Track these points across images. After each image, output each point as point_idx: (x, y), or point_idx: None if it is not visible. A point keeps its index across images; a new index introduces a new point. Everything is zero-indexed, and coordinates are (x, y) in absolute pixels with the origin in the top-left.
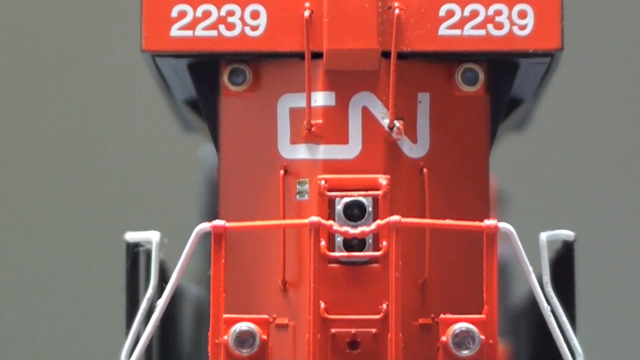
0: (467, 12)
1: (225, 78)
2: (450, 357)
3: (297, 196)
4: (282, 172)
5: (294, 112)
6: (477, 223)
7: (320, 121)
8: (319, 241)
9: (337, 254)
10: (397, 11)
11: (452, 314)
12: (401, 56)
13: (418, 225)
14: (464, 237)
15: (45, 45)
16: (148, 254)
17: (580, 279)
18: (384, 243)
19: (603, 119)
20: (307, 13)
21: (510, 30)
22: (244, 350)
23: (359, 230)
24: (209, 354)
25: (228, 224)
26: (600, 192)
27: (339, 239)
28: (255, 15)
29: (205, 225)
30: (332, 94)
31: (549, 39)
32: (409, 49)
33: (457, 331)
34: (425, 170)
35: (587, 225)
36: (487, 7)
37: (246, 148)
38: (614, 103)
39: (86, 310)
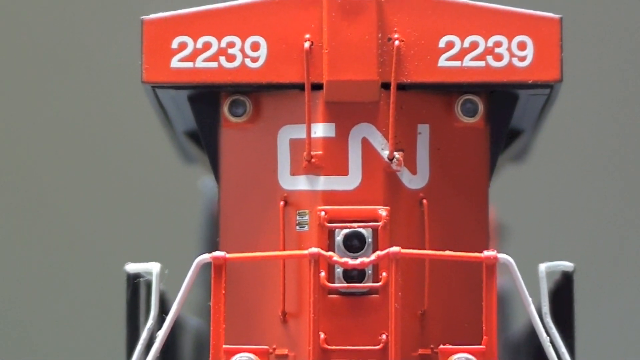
0: (466, 44)
1: (225, 109)
2: None
3: (297, 227)
4: (282, 203)
5: (294, 143)
6: (476, 254)
7: (320, 152)
8: (319, 272)
9: (336, 284)
10: (396, 43)
11: (452, 344)
12: (401, 87)
13: (418, 256)
14: (463, 268)
15: (47, 78)
16: (148, 285)
17: (579, 310)
18: (384, 274)
19: (602, 151)
20: (307, 44)
21: (510, 62)
22: None
23: (358, 261)
24: None
25: (228, 255)
26: (599, 224)
27: (338, 270)
28: (255, 46)
29: (205, 256)
30: (332, 125)
31: (548, 71)
32: (409, 80)
33: None
34: (424, 201)
35: (586, 256)
36: (486, 39)
37: (246, 179)
38: (613, 135)
39: (87, 340)
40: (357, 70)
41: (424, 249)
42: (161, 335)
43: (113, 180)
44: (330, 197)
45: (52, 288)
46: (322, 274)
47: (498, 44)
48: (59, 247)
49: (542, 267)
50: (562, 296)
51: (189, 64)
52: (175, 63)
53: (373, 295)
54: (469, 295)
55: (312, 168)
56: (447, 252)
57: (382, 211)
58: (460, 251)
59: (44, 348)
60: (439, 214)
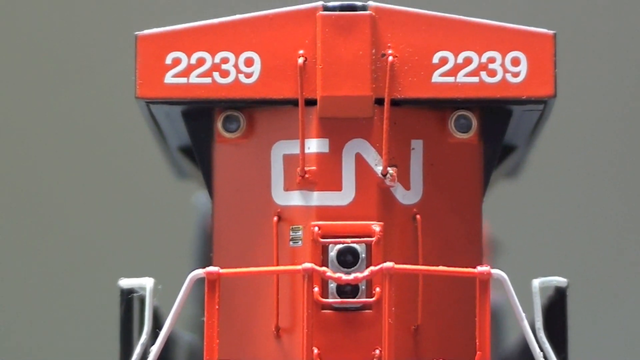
0: (460, 60)
1: (219, 125)
2: None
3: (291, 242)
4: (275, 218)
5: (288, 159)
6: (470, 269)
7: (314, 168)
8: (312, 287)
9: (330, 300)
10: (390, 58)
11: (445, 359)
12: (394, 103)
13: (411, 272)
14: (457, 283)
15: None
16: (142, 300)
17: (573, 326)
18: (377, 289)
19: (595, 166)
20: (301, 60)
21: (504, 78)
22: None
23: (352, 276)
24: None
25: (222, 270)
26: (592, 239)
27: (332, 285)
28: (249, 62)
29: (199, 272)
30: (326, 141)
31: (542, 86)
32: (403, 96)
33: None
34: (418, 216)
35: (579, 271)
36: (480, 55)
37: (240, 194)
38: (606, 150)
39: (81, 356)
40: (351, 86)
41: (418, 264)
42: (155, 350)
43: (107, 196)
44: (323, 212)
45: (46, 303)
46: (316, 289)
47: (492, 60)
48: (53, 262)
49: (536, 282)
50: (556, 311)
51: (183, 80)
52: (169, 79)
53: (366, 311)
54: (462, 311)
55: (306, 183)
56: (441, 268)
57: (376, 226)
58: (454, 266)
59: None
60: (432, 230)
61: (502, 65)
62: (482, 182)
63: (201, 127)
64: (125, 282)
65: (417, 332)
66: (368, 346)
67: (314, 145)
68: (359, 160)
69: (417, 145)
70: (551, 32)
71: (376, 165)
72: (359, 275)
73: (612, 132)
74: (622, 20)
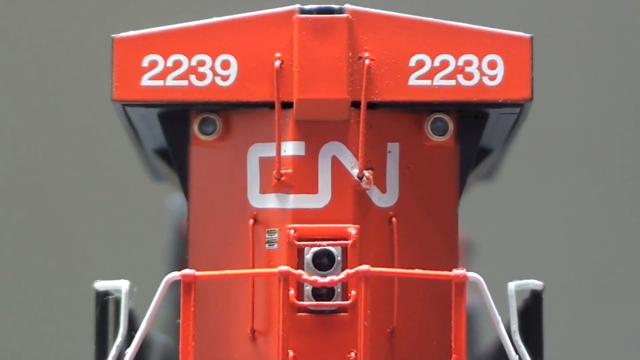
0: (437, 63)
1: (195, 127)
2: None
3: (267, 245)
4: (251, 221)
5: (264, 162)
6: (445, 272)
7: (290, 171)
8: (288, 290)
9: (306, 302)
10: (367, 61)
11: None
12: (371, 106)
13: (387, 275)
14: (432, 286)
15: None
16: (117, 302)
17: (548, 329)
18: (353, 292)
19: (570, 170)
20: (277, 63)
21: (480, 81)
22: None
23: (328, 279)
24: None
25: (198, 273)
26: (568, 242)
27: (307, 288)
28: (225, 65)
29: (174, 274)
30: (302, 144)
31: (518, 90)
32: (379, 99)
33: None
34: (394, 219)
35: (555, 275)
36: (457, 58)
37: (216, 197)
38: (582, 154)
39: (56, 358)
40: (328, 89)
41: (394, 267)
42: (130, 352)
43: (82, 198)
44: (299, 215)
45: (21, 305)
46: (292, 292)
47: (468, 63)
48: (28, 265)
49: (512, 285)
50: (531, 315)
51: (160, 82)
52: (145, 81)
53: (342, 313)
54: (438, 313)
55: (282, 186)
56: (417, 271)
57: (352, 229)
58: (430, 269)
59: None
60: (408, 232)
61: (479, 68)
62: (458, 185)
63: (177, 130)
64: (101, 285)
65: (393, 334)
66: (343, 349)
67: (290, 148)
68: (335, 163)
69: (393, 148)
70: (528, 35)
71: (352, 168)
72: (335, 278)
73: (589, 135)
74: (599, 24)
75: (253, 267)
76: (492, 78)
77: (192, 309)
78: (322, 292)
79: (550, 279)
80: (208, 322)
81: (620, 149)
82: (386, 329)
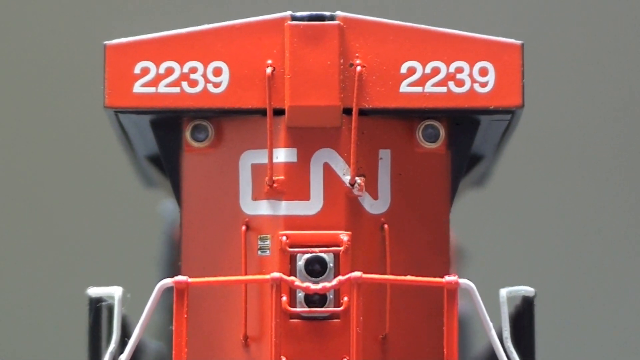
0: (428, 70)
1: (187, 134)
2: None
3: (259, 252)
4: (243, 227)
5: (256, 169)
6: (437, 279)
7: (282, 177)
8: (281, 296)
9: (298, 309)
10: (358, 68)
11: None
12: (362, 113)
13: (379, 281)
14: (424, 292)
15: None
16: (110, 309)
17: (540, 335)
18: (345, 298)
19: (561, 177)
20: (269, 70)
21: (472, 88)
22: None
23: (320, 285)
24: None
25: (190, 280)
26: (560, 249)
27: (300, 295)
28: (217, 72)
29: (167, 281)
30: (294, 151)
31: (509, 97)
32: (371, 106)
33: None
34: (386, 226)
35: (547, 281)
36: (448, 65)
37: (208, 204)
38: (573, 160)
39: None
40: (319, 96)
41: (386, 273)
42: (123, 359)
43: (75, 204)
44: (291, 222)
45: (14, 312)
46: (284, 298)
47: (460, 70)
48: (21, 271)
49: (503, 292)
50: (523, 321)
51: (152, 89)
52: (137, 88)
53: (334, 320)
54: (430, 320)
55: (274, 193)
56: (409, 277)
57: (344, 236)
58: (422, 276)
59: None
60: (400, 239)
61: (470, 75)
62: (449, 191)
63: (169, 137)
64: (94, 291)
65: (385, 341)
66: (336, 355)
67: (282, 155)
68: (327, 169)
69: (384, 155)
70: (519, 42)
71: (344, 174)
72: (327, 284)
73: (579, 142)
74: (590, 31)
75: (245, 274)
76: (483, 85)
77: (185, 315)
78: (315, 299)
79: (541, 285)
80: (201, 328)
81: (611, 155)
82: (378, 335)
